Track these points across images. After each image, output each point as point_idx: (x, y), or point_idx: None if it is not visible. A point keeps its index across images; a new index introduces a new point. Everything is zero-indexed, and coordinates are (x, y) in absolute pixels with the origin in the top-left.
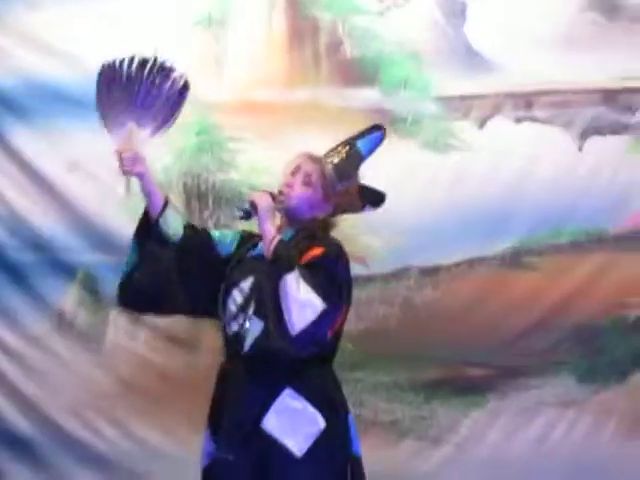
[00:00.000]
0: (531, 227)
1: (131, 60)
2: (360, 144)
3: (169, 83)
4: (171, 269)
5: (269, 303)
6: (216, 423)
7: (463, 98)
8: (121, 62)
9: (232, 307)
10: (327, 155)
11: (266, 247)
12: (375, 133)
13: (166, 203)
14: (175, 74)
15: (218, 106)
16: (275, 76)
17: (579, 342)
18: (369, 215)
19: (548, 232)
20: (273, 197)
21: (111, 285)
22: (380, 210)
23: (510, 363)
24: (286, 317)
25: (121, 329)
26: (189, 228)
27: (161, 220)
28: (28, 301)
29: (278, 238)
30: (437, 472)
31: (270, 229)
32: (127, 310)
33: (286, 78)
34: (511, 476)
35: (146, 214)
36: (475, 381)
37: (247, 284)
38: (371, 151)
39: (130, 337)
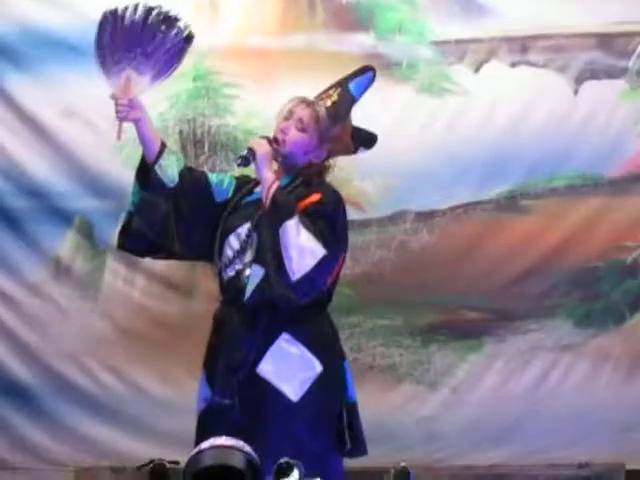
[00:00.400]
0: (527, 171)
1: (135, 8)
2: (352, 85)
3: (173, 32)
4: (167, 213)
5: (269, 250)
6: (212, 368)
7: (458, 42)
8: (125, 9)
9: (229, 252)
10: (319, 98)
11: (265, 194)
12: (366, 74)
13: (162, 149)
14: (180, 24)
15: (213, 52)
16: (270, 22)
17: (576, 286)
18: (364, 159)
19: (543, 176)
20: (270, 143)
21: (107, 231)
22: (375, 154)
23: (507, 307)
24: (287, 264)
25: (118, 275)
26: (187, 171)
27: (156, 166)
28: (24, 248)
29: (277, 184)
30: (434, 416)
31: (269, 175)
32: (125, 253)
33: (281, 24)
34: (507, 420)
35: (143, 159)
36: (472, 325)
37: (244, 230)
38: (363, 92)
39: (127, 283)
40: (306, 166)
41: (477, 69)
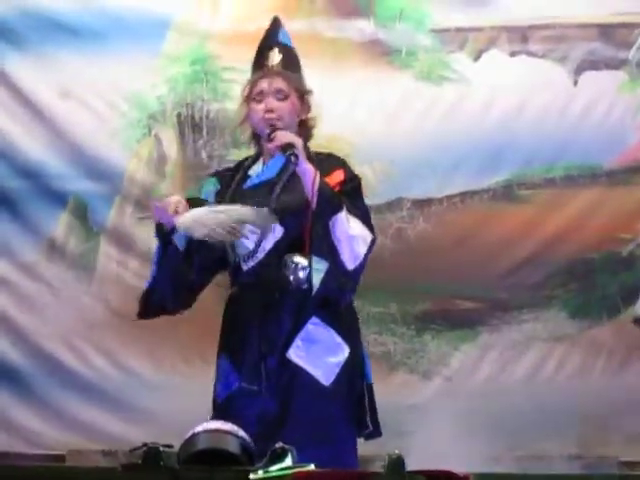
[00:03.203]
0: (525, 161)
1: None
2: (281, 38)
3: None
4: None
5: (324, 243)
6: (238, 354)
7: (459, 30)
8: None
9: (247, 243)
10: (263, 65)
11: (309, 187)
12: (275, 25)
13: None
14: None
15: (214, 36)
16: (271, 7)
17: (571, 277)
18: (363, 146)
19: (542, 166)
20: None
21: (101, 213)
22: (374, 141)
23: (502, 297)
24: (342, 256)
25: (111, 257)
26: None
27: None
28: (19, 229)
29: (319, 176)
30: (427, 405)
31: (310, 167)
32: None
33: (281, 9)
34: (501, 410)
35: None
36: (466, 314)
37: None
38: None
39: (120, 265)
40: (300, 125)
41: (477, 58)
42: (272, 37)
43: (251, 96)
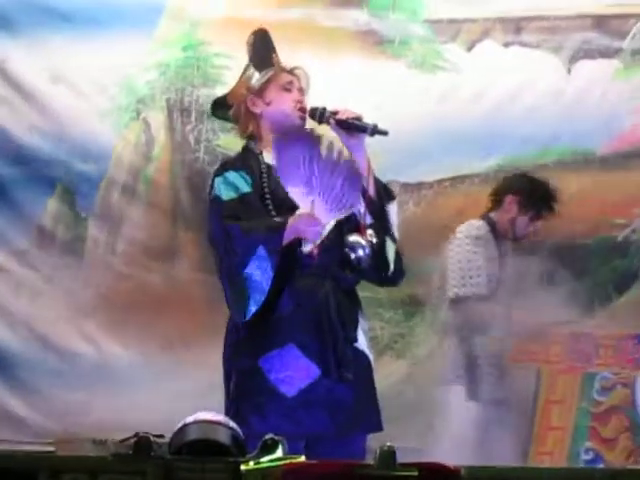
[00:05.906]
0: (517, 146)
1: None
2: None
3: None
4: None
5: (383, 226)
6: (310, 343)
7: (452, 21)
8: None
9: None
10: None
11: (364, 166)
12: None
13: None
14: None
15: (207, 22)
16: None
17: (563, 263)
18: None
19: (534, 151)
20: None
21: (89, 198)
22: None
23: None
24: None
25: (99, 243)
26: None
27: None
28: (10, 215)
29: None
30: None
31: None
32: None
33: None
34: None
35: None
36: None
37: None
38: None
39: (108, 251)
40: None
41: (470, 48)
42: (270, 42)
43: (279, 83)
